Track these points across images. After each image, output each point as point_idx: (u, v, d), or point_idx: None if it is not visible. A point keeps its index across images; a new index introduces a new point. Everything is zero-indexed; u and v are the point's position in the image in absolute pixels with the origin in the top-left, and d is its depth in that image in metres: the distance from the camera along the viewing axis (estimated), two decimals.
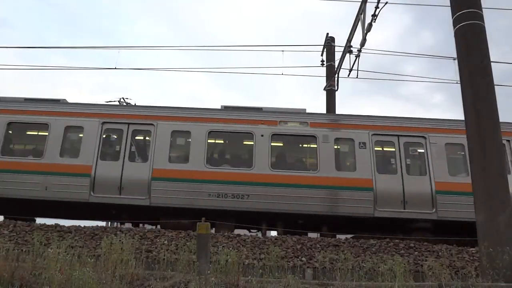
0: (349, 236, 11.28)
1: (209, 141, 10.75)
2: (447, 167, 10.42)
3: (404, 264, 6.22)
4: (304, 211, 10.08)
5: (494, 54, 8.44)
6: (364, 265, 7.66)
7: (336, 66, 14.99)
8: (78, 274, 5.05)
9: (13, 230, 8.85)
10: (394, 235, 9.80)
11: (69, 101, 11.77)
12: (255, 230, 10.96)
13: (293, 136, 10.99)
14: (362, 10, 12.67)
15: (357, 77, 13.30)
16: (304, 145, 11.38)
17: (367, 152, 10.53)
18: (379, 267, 6.62)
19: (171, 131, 10.73)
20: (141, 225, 10.97)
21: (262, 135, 10.71)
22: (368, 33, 12.17)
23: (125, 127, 10.88)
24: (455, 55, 8.77)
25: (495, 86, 7.64)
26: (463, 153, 10.56)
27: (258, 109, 11.32)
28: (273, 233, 11.12)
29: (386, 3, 11.35)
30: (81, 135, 10.83)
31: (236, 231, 10.21)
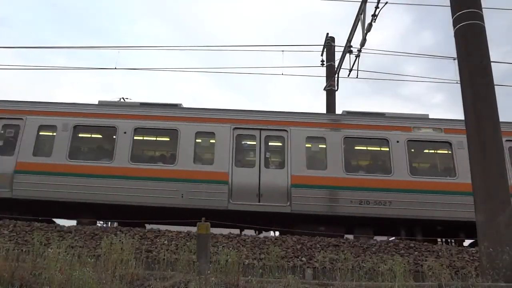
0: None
1: (345, 147, 10.67)
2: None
3: (404, 264, 6.22)
4: (445, 218, 10.00)
5: (494, 54, 8.44)
6: (364, 265, 7.66)
7: (336, 66, 14.97)
8: (78, 274, 5.05)
9: (13, 230, 8.85)
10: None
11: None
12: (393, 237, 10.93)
13: (427, 142, 10.92)
14: (362, 10, 12.67)
15: (357, 77, 13.31)
16: (439, 151, 11.24)
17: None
18: (379, 267, 6.62)
19: (305, 137, 10.67)
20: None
21: (397, 141, 10.66)
22: (368, 33, 12.17)
23: (257, 132, 10.79)
24: (455, 55, 8.78)
25: (495, 86, 7.63)
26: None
27: (381, 115, 11.25)
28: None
29: (386, 3, 11.36)
30: (212, 141, 10.72)
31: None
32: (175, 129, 10.73)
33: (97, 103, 11.45)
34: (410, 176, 10.33)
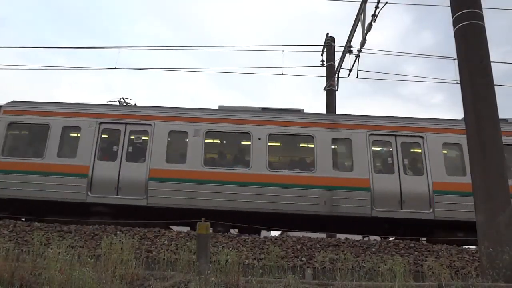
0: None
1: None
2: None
3: (404, 264, 6.22)
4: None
5: (494, 54, 8.44)
6: (364, 265, 7.66)
7: (336, 66, 14.97)
8: (78, 274, 5.05)
9: (13, 230, 8.85)
10: None
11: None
12: None
13: None
14: (362, 10, 12.67)
15: (357, 77, 13.31)
16: None
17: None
18: (379, 267, 6.62)
19: (442, 143, 10.61)
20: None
21: None
22: (368, 33, 12.17)
23: (393, 139, 10.72)
24: (455, 55, 8.77)
25: (495, 86, 7.63)
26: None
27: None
28: None
29: (386, 3, 11.36)
30: (349, 147, 10.65)
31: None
32: (311, 135, 10.70)
33: (217, 108, 11.44)
34: None
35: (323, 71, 15.63)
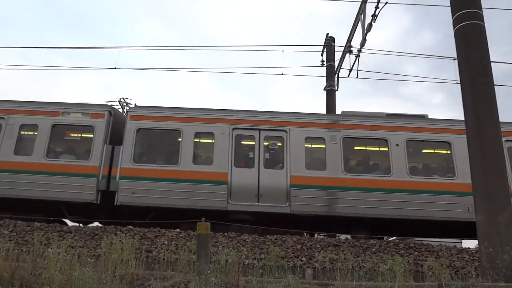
0: None
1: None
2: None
3: (404, 264, 6.22)
4: None
5: (494, 54, 8.44)
6: (364, 265, 7.67)
7: (336, 66, 14.97)
8: (78, 274, 5.05)
9: (13, 230, 8.85)
10: None
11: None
12: None
13: None
14: (362, 10, 12.66)
15: (357, 77, 13.30)
16: None
17: None
18: (379, 267, 6.62)
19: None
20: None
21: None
22: (368, 33, 12.16)
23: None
24: (455, 55, 8.77)
25: (495, 86, 7.64)
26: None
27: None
28: None
29: (386, 3, 11.35)
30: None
31: None
32: (447, 142, 10.60)
33: (340, 113, 11.42)
34: None
35: (323, 71, 15.64)
